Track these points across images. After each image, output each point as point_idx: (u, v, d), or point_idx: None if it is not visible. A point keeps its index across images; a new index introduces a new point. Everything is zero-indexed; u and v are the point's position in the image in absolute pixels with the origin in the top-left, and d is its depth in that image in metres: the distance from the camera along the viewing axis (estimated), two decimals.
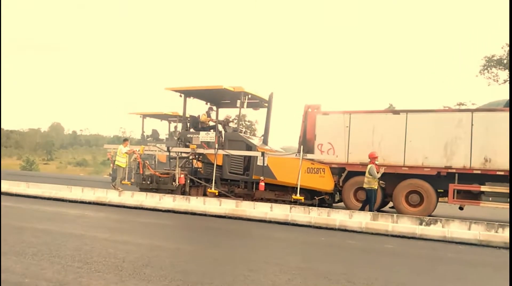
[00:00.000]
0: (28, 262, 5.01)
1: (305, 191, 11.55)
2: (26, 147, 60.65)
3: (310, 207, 9.71)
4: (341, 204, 12.26)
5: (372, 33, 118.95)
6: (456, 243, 8.01)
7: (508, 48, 22.90)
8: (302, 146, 11.53)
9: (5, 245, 5.97)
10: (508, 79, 23.45)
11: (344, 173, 11.69)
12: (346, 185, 11.70)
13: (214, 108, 14.40)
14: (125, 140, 13.74)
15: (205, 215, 10.15)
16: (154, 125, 23.10)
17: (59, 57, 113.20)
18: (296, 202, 10.95)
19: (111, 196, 11.58)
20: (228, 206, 10.28)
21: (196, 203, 10.61)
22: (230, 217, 9.90)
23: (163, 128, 25.20)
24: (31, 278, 4.33)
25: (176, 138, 20.40)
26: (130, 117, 26.30)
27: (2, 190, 12.70)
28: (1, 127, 57.17)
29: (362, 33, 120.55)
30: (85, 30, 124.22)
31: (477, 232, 8.08)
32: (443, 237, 8.17)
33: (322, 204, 11.61)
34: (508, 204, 9.93)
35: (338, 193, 12.10)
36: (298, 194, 11.07)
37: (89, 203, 11.37)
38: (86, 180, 22.89)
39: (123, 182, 12.65)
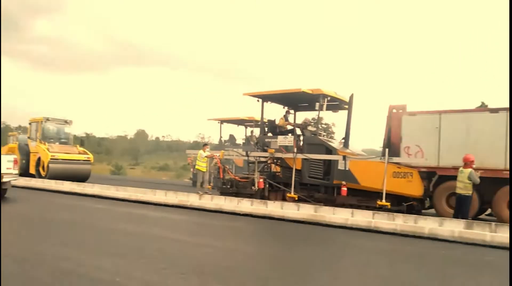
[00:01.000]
0: (117, 262, 5.43)
1: (392, 197, 11.03)
2: (115, 153, 65.96)
3: (395, 214, 9.26)
4: (432, 210, 11.52)
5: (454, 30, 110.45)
6: None
7: None
8: (387, 149, 11.05)
9: (100, 245, 6.54)
10: None
11: (435, 178, 11.02)
12: (437, 190, 11.01)
13: (292, 111, 14.41)
14: (205, 145, 14.32)
15: (283, 219, 10.17)
16: (231, 130, 23.83)
17: (143, 67, 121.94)
18: (381, 208, 10.50)
19: (192, 199, 12.11)
20: (306, 211, 10.20)
21: (273, 208, 10.68)
22: (308, 223, 9.80)
23: (240, 133, 25.82)
24: (121, 277, 4.68)
25: (252, 143, 20.90)
26: (209, 123, 27.54)
27: (96, 193, 13.93)
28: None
29: (442, 31, 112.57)
30: (163, 36, 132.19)
31: None
32: None
33: (410, 210, 10.98)
34: None
35: (428, 199, 11.38)
36: (383, 200, 10.61)
37: (172, 206, 12.00)
38: (168, 184, 24.26)
39: (204, 186, 13.15)
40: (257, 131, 22.63)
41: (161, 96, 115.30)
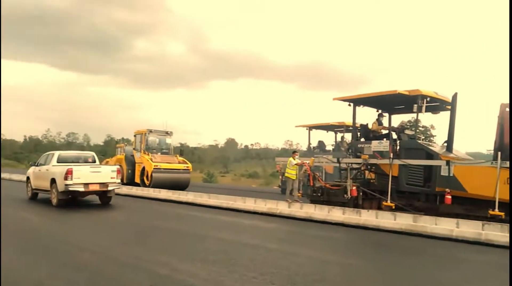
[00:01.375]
0: (210, 269, 5.53)
1: (506, 206, 9.77)
2: (207, 162, 69.19)
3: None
4: None
5: None
6: None
7: None
8: (499, 152, 9.89)
9: (193, 252, 6.75)
10: None
11: None
12: None
13: (385, 114, 13.68)
14: (294, 152, 14.16)
15: (377, 229, 9.61)
16: (320, 136, 23.48)
17: (233, 79, 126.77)
18: (493, 219, 9.36)
19: (282, 207, 12.07)
20: (404, 220, 9.52)
21: (367, 217, 10.17)
22: (406, 233, 9.13)
23: (329, 139, 25.34)
24: (212, 284, 4.72)
25: (343, 149, 20.31)
26: (297, 130, 27.48)
27: (190, 200, 14.59)
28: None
29: None
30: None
31: None
32: None
33: None
34: None
35: None
36: (496, 209, 9.48)
37: (261, 213, 12.07)
38: (257, 191, 24.60)
39: (293, 193, 13.00)
40: (348, 137, 22.00)
41: (250, 105, 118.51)
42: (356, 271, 5.94)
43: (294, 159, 13.01)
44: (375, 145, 12.33)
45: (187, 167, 20.47)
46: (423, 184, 11.37)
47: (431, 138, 11.58)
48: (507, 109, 10.36)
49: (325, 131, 22.68)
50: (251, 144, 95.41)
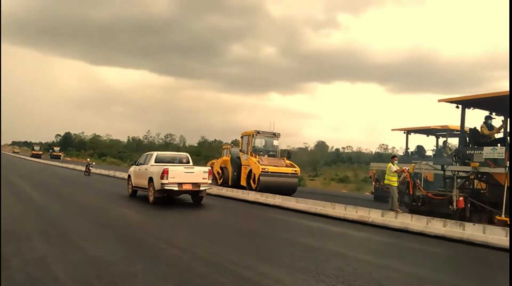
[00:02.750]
0: (296, 276, 5.45)
1: None
2: (296, 164, 69.05)
3: None
4: None
5: None
6: None
7: None
8: None
9: (279, 257, 6.73)
10: None
11: None
12: None
13: (494, 115, 12.38)
14: (394, 157, 13.46)
15: (485, 246, 8.68)
16: (419, 141, 22.14)
17: (327, 83, 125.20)
18: None
19: (374, 215, 11.52)
20: None
21: (473, 231, 9.23)
22: None
23: (429, 144, 23.73)
24: None
25: (445, 155, 18.84)
26: (393, 133, 26.17)
27: (277, 204, 14.67)
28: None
29: None
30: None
31: None
32: None
33: None
34: None
35: None
36: None
37: (351, 221, 11.66)
38: (348, 197, 23.92)
39: (394, 202, 12.32)
40: (451, 142, 20.39)
41: (344, 107, 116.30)
42: None
43: (394, 165, 12.34)
44: (488, 151, 11.23)
45: (295, 171, 19.54)
46: None
47: None
48: None
49: (425, 135, 21.33)
50: (343, 148, 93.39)
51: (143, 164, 14.75)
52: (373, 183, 20.97)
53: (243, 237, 8.82)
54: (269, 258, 6.58)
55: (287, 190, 18.35)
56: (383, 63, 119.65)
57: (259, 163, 18.88)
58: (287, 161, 20.05)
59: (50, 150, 71.54)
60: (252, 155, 19.63)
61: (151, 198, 13.38)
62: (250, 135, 20.39)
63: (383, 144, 76.95)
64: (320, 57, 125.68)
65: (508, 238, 8.56)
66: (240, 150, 21.23)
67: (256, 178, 18.66)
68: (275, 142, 21.35)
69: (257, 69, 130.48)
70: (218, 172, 22.45)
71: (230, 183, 20.85)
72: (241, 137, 21.33)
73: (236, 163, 21.12)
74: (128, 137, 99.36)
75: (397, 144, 72.06)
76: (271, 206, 14.71)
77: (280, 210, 13.82)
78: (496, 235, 8.80)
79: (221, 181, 22.05)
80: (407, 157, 20.65)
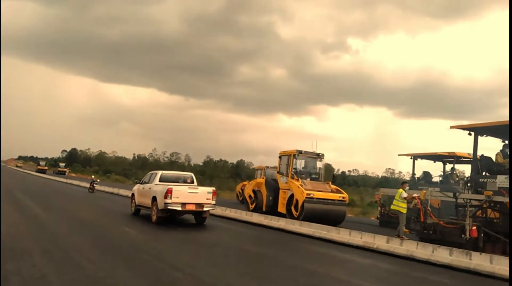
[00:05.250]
0: None
1: None
2: None
3: None
4: None
5: None
6: None
7: None
8: None
9: (281, 282, 6.66)
10: None
11: None
12: None
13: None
14: (404, 182, 13.25)
15: (492, 277, 8.54)
16: (426, 167, 22.06)
17: (332, 105, 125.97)
18: None
19: (379, 242, 11.39)
20: None
21: (480, 261, 9.08)
22: None
23: (435, 170, 23.59)
24: None
25: (452, 181, 18.70)
26: (399, 158, 26.03)
27: (281, 227, 14.56)
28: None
29: None
30: None
31: None
32: None
33: None
34: None
35: None
36: None
37: (356, 247, 11.53)
38: (353, 221, 23.68)
39: (401, 228, 12.17)
40: (459, 168, 20.27)
41: (352, 131, 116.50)
42: None
43: (405, 191, 12.22)
44: (501, 180, 11.10)
45: (343, 197, 17.23)
46: None
47: None
48: None
49: (432, 162, 21.25)
50: (349, 171, 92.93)
51: (148, 183, 14.78)
52: (379, 208, 20.81)
53: (246, 260, 8.76)
54: (272, 283, 6.52)
55: (334, 219, 16.19)
56: (392, 87, 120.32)
57: (302, 187, 16.75)
58: (333, 186, 17.94)
59: (56, 166, 71.89)
60: (293, 178, 17.44)
61: (154, 218, 13.36)
62: (290, 155, 18.15)
63: (389, 169, 76.62)
64: (328, 79, 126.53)
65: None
66: (278, 172, 19.00)
67: (300, 204, 16.44)
68: (319, 164, 19.04)
69: (265, 91, 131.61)
70: (250, 196, 20.41)
71: (264, 209, 18.85)
72: (279, 157, 19.10)
73: (273, 187, 18.93)
74: (134, 154, 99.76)
75: (404, 168, 71.61)
76: (275, 228, 14.61)
77: (283, 234, 13.71)
78: (503, 266, 8.65)
79: (253, 206, 19.85)
80: (413, 182, 20.52)
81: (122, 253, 8.45)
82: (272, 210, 18.11)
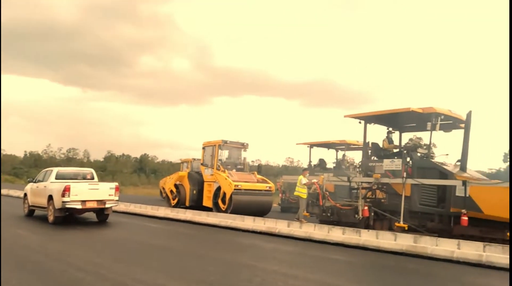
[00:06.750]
0: None
1: None
2: None
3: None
4: None
5: None
6: None
7: None
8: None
9: (189, 272, 6.63)
10: None
11: None
12: None
13: (395, 131, 13.61)
14: (305, 170, 13.90)
15: (378, 250, 9.49)
16: (321, 154, 23.49)
17: (236, 95, 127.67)
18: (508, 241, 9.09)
19: (280, 226, 11.95)
20: (405, 241, 9.41)
21: (367, 237, 10.05)
22: (407, 254, 9.00)
23: (330, 157, 25.31)
24: None
25: (344, 167, 20.23)
26: (298, 147, 27.36)
27: (188, 219, 14.50)
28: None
29: None
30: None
31: None
32: None
33: None
34: None
35: None
36: None
37: (260, 232, 11.94)
38: None
39: (301, 212, 12.81)
40: (349, 155, 21.94)
41: (253, 121, 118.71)
42: None
43: (305, 178, 12.84)
44: (387, 164, 12.14)
45: (269, 187, 17.01)
46: (437, 204, 11.17)
47: (432, 156, 11.44)
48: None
49: (326, 149, 22.68)
50: (252, 161, 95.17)
51: (42, 181, 13.62)
52: (280, 195, 21.72)
53: (154, 254, 8.53)
54: (180, 275, 6.47)
55: (261, 209, 16.12)
56: (289, 79, 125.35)
57: (230, 179, 16.18)
58: (259, 176, 17.59)
59: None
60: (219, 170, 16.84)
61: (50, 218, 12.38)
62: (215, 145, 17.43)
63: (289, 158, 79.97)
64: (231, 73, 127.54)
65: (395, 242, 9.46)
66: (202, 164, 18.24)
67: (228, 197, 15.99)
68: (243, 154, 18.55)
69: (168, 82, 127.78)
70: (171, 191, 19.49)
71: (187, 204, 18.17)
72: (203, 148, 18.28)
73: (197, 180, 18.25)
74: (25, 152, 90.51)
75: (302, 157, 75.33)
76: (181, 221, 14.48)
77: (191, 225, 13.66)
78: (386, 240, 9.68)
79: (175, 201, 19.10)
80: (310, 169, 21.75)
81: (15, 256, 7.67)
82: (197, 205, 17.52)
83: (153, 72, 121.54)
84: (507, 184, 9.80)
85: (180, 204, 18.52)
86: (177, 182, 19.30)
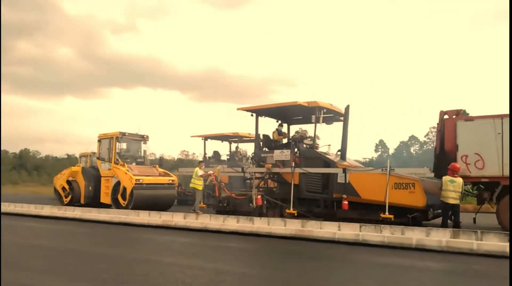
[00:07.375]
0: None
1: (394, 209, 10.70)
2: None
3: (382, 226, 9.22)
4: (436, 221, 11.17)
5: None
6: None
7: None
8: (388, 160, 11.13)
9: (81, 271, 6.29)
10: None
11: (498, 189, 10.37)
12: (502, 201, 10.28)
13: (284, 125, 14.31)
14: (201, 162, 13.91)
15: (270, 236, 10.04)
16: (215, 147, 23.73)
17: (127, 87, 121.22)
18: (383, 221, 10.31)
19: (177, 219, 11.90)
20: (293, 226, 10.10)
21: (260, 224, 10.55)
22: (296, 238, 9.70)
23: (224, 149, 25.70)
24: None
25: (237, 158, 20.77)
26: (192, 140, 27.20)
27: (77, 216, 13.60)
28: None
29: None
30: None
31: None
32: None
33: (414, 222, 10.64)
34: None
35: (431, 210, 10.94)
36: (387, 212, 10.48)
37: (156, 226, 11.75)
38: None
39: (197, 204, 12.82)
40: (242, 147, 22.54)
41: (147, 114, 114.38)
42: (250, 280, 6.13)
43: (201, 169, 12.86)
44: (277, 154, 12.77)
45: (172, 180, 16.77)
46: (322, 191, 12.12)
47: (316, 147, 12.55)
48: (446, 117, 11.22)
49: (220, 141, 22.99)
50: (148, 154, 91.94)
51: None
52: (176, 188, 21.49)
53: (37, 255, 7.84)
54: (70, 275, 6.10)
55: (164, 203, 15.79)
56: (184, 72, 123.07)
57: (130, 173, 15.46)
58: (160, 170, 17.17)
59: None
60: (118, 164, 15.97)
61: None
62: (113, 137, 16.44)
63: (184, 150, 79.12)
64: (121, 62, 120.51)
65: (285, 227, 10.11)
66: (98, 158, 17.12)
67: (128, 192, 15.20)
68: (143, 147, 17.84)
69: (50, 71, 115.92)
70: (63, 188, 17.89)
71: (82, 201, 16.93)
72: (99, 141, 17.13)
73: (92, 175, 17.16)
74: None
75: (197, 150, 75.11)
76: (70, 219, 13.54)
77: (81, 223, 12.85)
78: (277, 226, 10.29)
79: (68, 199, 17.64)
80: (205, 161, 21.91)
81: None
82: (93, 202, 16.45)
83: (33, 60, 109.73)
84: (379, 171, 11.14)
85: (74, 202, 17.25)
86: (70, 178, 17.86)
